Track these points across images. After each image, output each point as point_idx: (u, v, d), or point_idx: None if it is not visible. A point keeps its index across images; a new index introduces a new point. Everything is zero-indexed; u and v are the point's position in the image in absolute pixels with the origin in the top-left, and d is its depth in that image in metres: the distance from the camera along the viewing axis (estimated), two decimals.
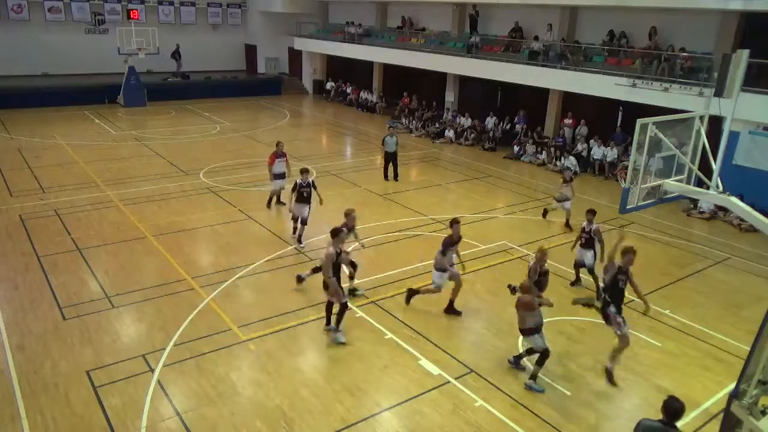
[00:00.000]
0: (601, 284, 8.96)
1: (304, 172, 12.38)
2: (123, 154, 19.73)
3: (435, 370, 8.25)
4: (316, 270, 10.15)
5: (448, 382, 8.02)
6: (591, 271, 10.66)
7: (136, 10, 29.64)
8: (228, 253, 12.01)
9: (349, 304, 9.08)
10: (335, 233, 8.81)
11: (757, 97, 14.16)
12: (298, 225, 12.36)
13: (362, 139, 23.97)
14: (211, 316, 9.50)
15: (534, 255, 8.99)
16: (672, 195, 7.83)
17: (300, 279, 10.54)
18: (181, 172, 17.70)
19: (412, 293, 9.99)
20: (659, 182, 7.55)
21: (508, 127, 23.34)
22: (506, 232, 13.67)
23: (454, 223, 9.61)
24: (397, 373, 8.18)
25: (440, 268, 9.53)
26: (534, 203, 16.10)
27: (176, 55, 32.47)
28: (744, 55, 6.82)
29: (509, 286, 8.30)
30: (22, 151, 19.36)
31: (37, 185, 15.95)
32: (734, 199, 7.04)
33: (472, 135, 23.42)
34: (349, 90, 32.29)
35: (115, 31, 28.68)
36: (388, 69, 30.20)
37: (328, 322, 9.06)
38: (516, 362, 8.40)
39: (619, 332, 8.01)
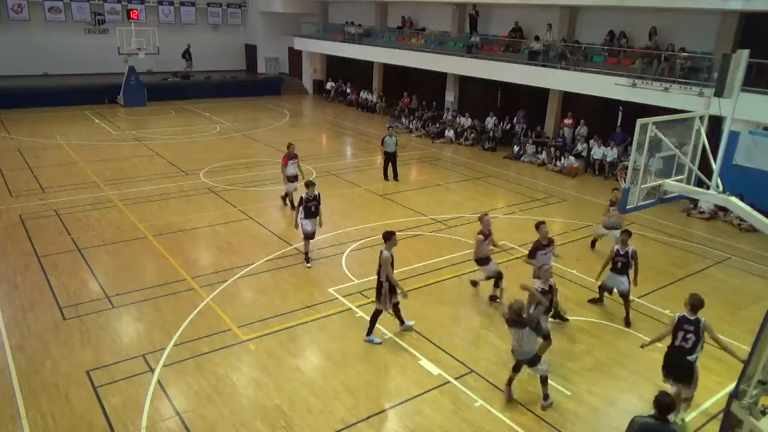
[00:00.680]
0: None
1: (310, 185, 11.43)
2: (123, 154, 19.73)
3: (435, 370, 8.25)
4: (489, 278, 10.29)
5: (448, 382, 8.02)
6: (626, 298, 9.72)
7: (136, 10, 29.64)
8: (228, 253, 12.01)
9: (353, 307, 9.08)
10: (388, 236, 8.77)
11: (757, 97, 14.15)
12: (304, 241, 11.52)
13: (362, 139, 23.96)
14: (211, 316, 9.50)
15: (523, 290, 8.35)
16: (672, 195, 7.83)
17: (474, 283, 10.63)
18: (181, 172, 17.70)
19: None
20: (659, 182, 7.56)
21: (508, 127, 23.35)
22: (506, 232, 13.65)
23: (540, 224, 9.78)
24: (397, 373, 8.18)
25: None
26: (534, 203, 16.10)
27: (187, 54, 32.67)
28: (744, 55, 6.82)
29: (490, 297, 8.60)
30: (22, 151, 19.36)
31: (37, 185, 15.95)
32: (734, 199, 7.04)
33: (472, 135, 23.42)
34: (348, 90, 32.29)
35: (115, 31, 28.69)
36: (388, 69, 30.20)
37: (370, 332, 8.93)
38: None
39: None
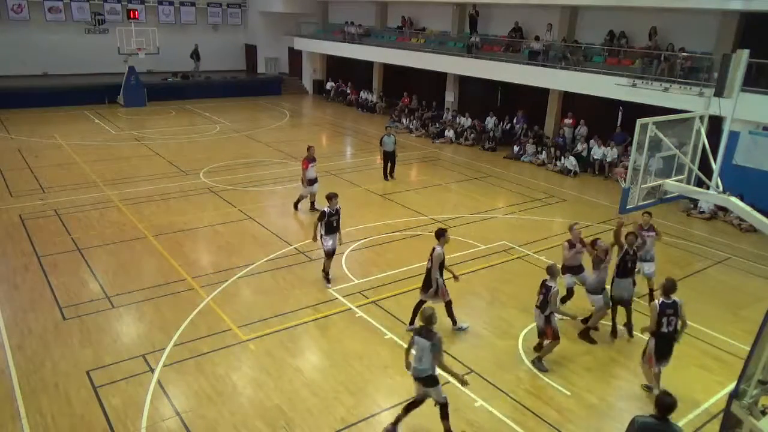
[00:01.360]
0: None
1: (333, 198, 10.43)
2: (123, 154, 19.73)
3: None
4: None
5: (448, 382, 8.01)
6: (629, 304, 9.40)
7: (136, 10, 29.60)
8: (228, 253, 12.01)
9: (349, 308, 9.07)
10: (441, 233, 8.93)
11: (757, 97, 14.16)
12: (325, 260, 10.67)
13: (362, 139, 23.96)
14: (211, 316, 9.50)
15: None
16: (672, 195, 7.83)
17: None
18: (181, 172, 17.70)
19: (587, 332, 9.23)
20: (659, 182, 7.56)
21: (508, 127, 23.35)
22: (506, 232, 13.66)
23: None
24: (397, 373, 8.17)
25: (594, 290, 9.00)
26: (534, 203, 16.10)
27: (194, 55, 32.77)
28: (744, 55, 6.82)
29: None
30: (22, 151, 19.35)
31: (37, 185, 15.95)
32: (734, 199, 7.04)
33: (472, 135, 23.42)
34: (348, 90, 32.29)
35: (115, 31, 28.65)
36: (388, 69, 30.20)
37: (412, 322, 9.05)
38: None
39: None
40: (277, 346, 8.72)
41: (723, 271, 12.23)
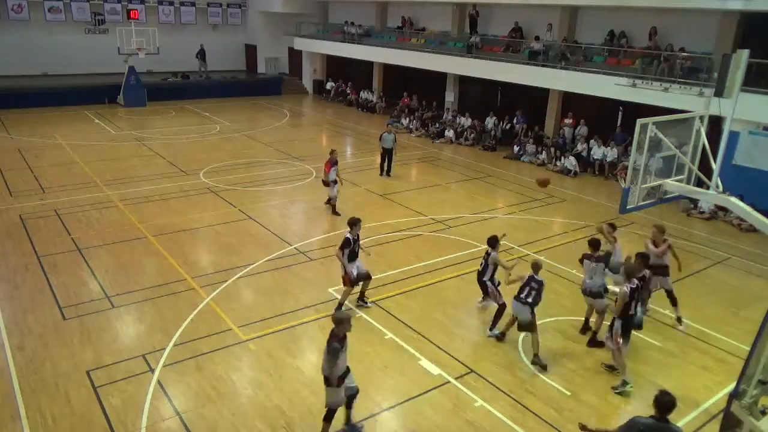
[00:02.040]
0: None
1: (356, 223, 9.59)
2: (123, 154, 19.73)
3: (435, 370, 8.25)
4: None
5: (448, 382, 8.02)
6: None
7: (136, 10, 29.64)
8: (228, 253, 12.01)
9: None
10: (494, 242, 9.35)
11: (757, 97, 14.14)
12: (361, 282, 9.85)
13: (362, 139, 23.95)
14: (211, 316, 9.49)
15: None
16: (672, 195, 7.84)
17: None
18: (181, 172, 17.70)
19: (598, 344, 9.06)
20: (659, 182, 7.56)
21: (508, 127, 23.35)
22: (506, 231, 13.62)
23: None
24: (397, 373, 8.17)
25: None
26: (534, 203, 16.10)
27: (200, 55, 32.85)
28: (744, 55, 6.83)
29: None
30: (22, 151, 19.35)
31: (37, 185, 15.95)
32: (734, 199, 7.05)
33: (472, 135, 23.41)
34: (348, 90, 32.29)
35: (115, 31, 28.67)
36: (388, 69, 30.20)
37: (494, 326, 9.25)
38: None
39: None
40: (277, 346, 8.71)
41: (723, 271, 12.23)
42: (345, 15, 33.00)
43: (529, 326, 8.52)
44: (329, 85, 34.04)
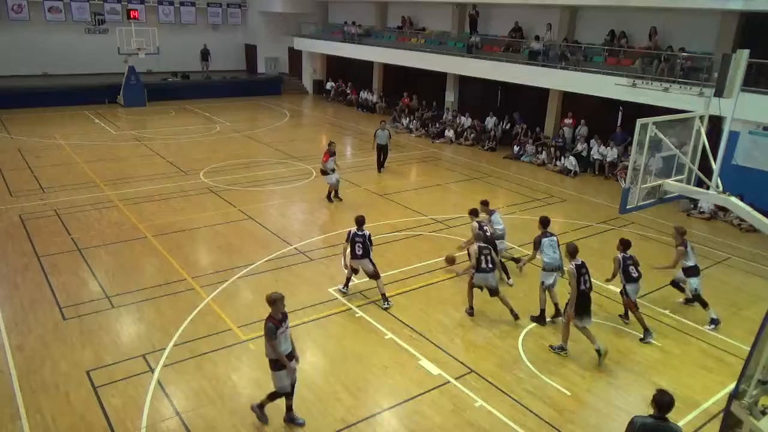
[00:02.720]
0: None
1: (363, 222, 9.98)
2: (123, 154, 19.73)
3: (435, 370, 8.25)
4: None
5: (448, 382, 8.02)
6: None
7: (136, 10, 29.63)
8: (228, 253, 12.01)
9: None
10: (576, 251, 9.25)
11: (757, 97, 14.14)
12: (378, 282, 10.02)
13: (362, 139, 23.93)
14: (211, 316, 9.49)
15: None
16: (672, 195, 7.83)
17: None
18: (181, 172, 17.70)
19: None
20: (659, 182, 7.56)
21: (508, 127, 23.34)
22: (506, 231, 13.62)
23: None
24: (397, 373, 8.17)
25: None
26: (534, 203, 16.10)
27: (203, 55, 32.92)
28: (744, 55, 6.82)
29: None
30: (22, 151, 19.35)
31: (37, 185, 15.95)
32: (734, 199, 7.04)
33: (472, 135, 23.41)
34: (348, 90, 32.29)
35: (115, 31, 28.63)
36: (388, 69, 30.20)
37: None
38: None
39: None
40: None
41: (723, 271, 12.23)
42: (345, 15, 33.01)
43: (497, 291, 9.51)
44: (329, 85, 34.02)
